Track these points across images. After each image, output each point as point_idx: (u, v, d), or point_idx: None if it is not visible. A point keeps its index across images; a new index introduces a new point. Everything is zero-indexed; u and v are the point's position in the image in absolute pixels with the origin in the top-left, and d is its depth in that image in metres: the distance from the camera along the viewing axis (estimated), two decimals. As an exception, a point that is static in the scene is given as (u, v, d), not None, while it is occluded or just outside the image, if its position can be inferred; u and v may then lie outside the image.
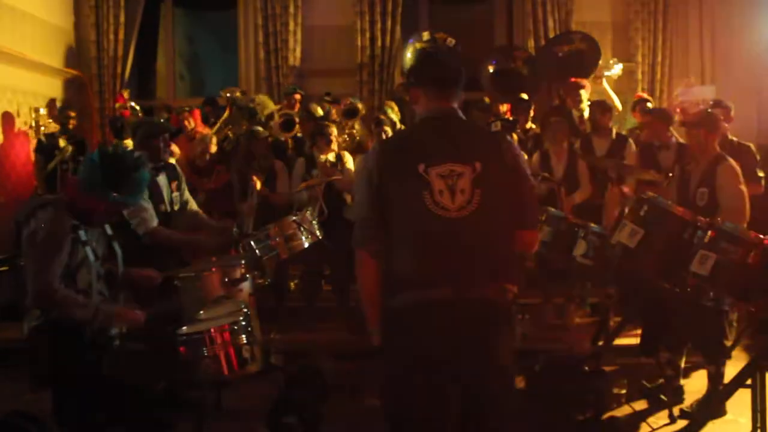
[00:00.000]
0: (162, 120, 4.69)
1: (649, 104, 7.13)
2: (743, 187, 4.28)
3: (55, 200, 3.21)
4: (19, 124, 7.58)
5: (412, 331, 2.45)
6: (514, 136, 6.14)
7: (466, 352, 2.43)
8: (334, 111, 7.42)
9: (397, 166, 2.51)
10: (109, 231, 3.32)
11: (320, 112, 7.28)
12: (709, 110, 5.02)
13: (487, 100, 7.36)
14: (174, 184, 4.48)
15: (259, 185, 5.98)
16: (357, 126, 7.14)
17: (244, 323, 3.24)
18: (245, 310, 3.40)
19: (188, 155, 6.52)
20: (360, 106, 7.20)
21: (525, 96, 7.06)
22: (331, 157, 6.07)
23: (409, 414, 2.48)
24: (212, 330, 3.16)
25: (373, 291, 2.54)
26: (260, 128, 6.53)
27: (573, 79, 7.05)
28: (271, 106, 7.54)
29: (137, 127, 4.51)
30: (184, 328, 3.25)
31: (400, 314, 2.48)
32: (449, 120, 2.59)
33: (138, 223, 4.13)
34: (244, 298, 3.85)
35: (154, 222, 4.18)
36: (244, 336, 3.20)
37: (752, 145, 5.64)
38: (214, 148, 6.21)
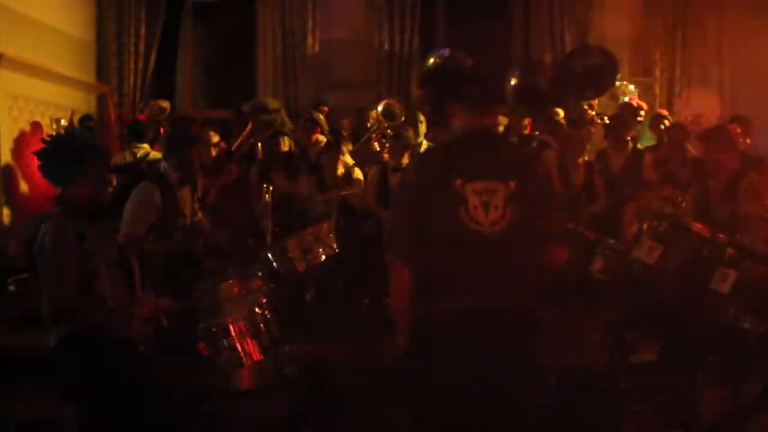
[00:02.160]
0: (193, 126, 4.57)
1: (666, 121, 7.13)
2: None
3: (55, 212, 3.22)
4: (42, 135, 7.68)
5: (443, 337, 2.58)
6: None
7: (493, 360, 2.55)
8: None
9: (436, 180, 2.63)
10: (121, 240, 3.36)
11: (322, 119, 7.08)
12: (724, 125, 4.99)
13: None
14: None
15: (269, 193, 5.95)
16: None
17: (259, 312, 3.35)
18: (263, 300, 3.50)
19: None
20: (398, 110, 7.11)
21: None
22: (339, 170, 6.07)
23: (434, 410, 2.63)
24: (228, 321, 3.22)
25: (404, 297, 2.68)
26: (284, 135, 6.54)
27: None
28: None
29: (171, 130, 4.36)
30: (201, 324, 3.31)
31: (432, 321, 2.62)
32: (487, 137, 2.73)
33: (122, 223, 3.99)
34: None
35: (136, 229, 3.94)
36: (262, 324, 3.32)
37: (771, 160, 5.59)
38: (216, 139, 6.14)
